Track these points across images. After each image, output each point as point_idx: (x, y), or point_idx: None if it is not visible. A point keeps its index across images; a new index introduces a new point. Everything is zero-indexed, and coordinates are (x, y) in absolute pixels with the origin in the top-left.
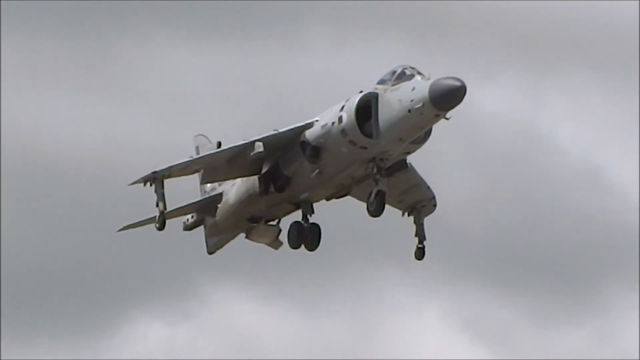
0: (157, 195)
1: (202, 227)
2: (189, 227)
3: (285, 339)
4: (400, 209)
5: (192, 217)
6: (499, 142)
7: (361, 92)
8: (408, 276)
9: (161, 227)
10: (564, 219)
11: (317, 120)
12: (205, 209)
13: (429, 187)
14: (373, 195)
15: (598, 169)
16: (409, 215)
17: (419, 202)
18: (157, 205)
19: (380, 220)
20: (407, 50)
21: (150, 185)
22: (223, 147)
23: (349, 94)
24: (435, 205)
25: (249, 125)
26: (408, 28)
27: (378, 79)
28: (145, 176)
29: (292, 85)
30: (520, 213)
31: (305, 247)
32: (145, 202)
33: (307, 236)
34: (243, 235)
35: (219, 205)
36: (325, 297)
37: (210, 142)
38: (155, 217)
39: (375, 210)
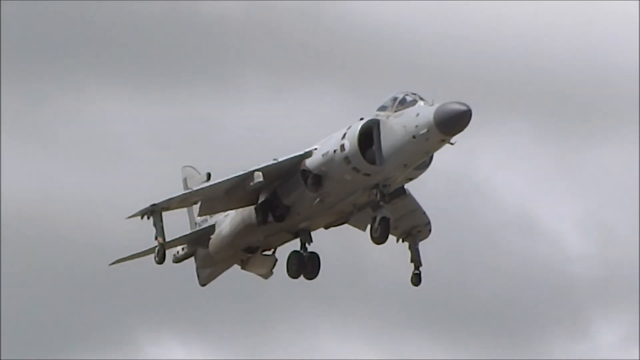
0: (156, 228)
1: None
2: (179, 259)
3: None
4: (395, 235)
5: (183, 249)
6: (434, 192)
7: (362, 119)
8: (345, 326)
9: (161, 260)
10: (498, 266)
11: (315, 149)
12: (197, 240)
13: (424, 213)
14: (377, 222)
15: (532, 217)
16: (403, 241)
17: (415, 228)
18: (156, 238)
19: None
20: (343, 99)
21: (148, 218)
22: (215, 178)
23: (285, 141)
24: (430, 230)
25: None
26: (345, 77)
27: (378, 105)
28: (144, 209)
29: (228, 134)
30: (454, 261)
31: (305, 276)
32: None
33: (306, 266)
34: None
35: (211, 236)
36: (265, 341)
37: (199, 174)
38: (148, 249)
39: (380, 237)
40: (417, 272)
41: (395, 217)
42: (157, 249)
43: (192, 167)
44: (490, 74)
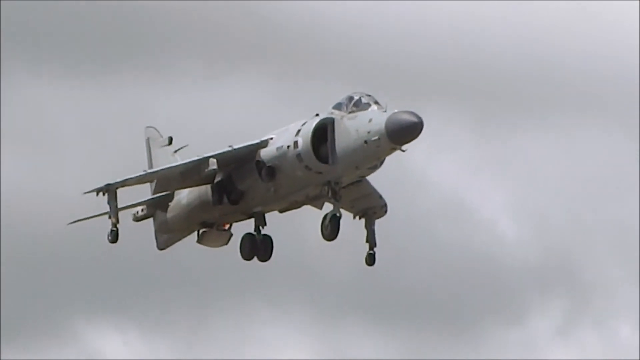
0: (110, 207)
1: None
2: (138, 219)
3: None
4: (351, 212)
5: (143, 210)
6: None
7: (317, 115)
8: (280, 314)
9: (114, 240)
10: (433, 253)
11: (271, 139)
12: (156, 204)
13: (380, 197)
14: (328, 219)
15: (465, 204)
16: (360, 218)
17: (371, 209)
18: (110, 217)
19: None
20: (277, 84)
21: (104, 194)
22: (176, 156)
23: (220, 127)
24: (386, 211)
25: (118, 161)
26: (280, 63)
27: (334, 103)
28: (99, 187)
29: (162, 119)
30: (389, 248)
31: (258, 258)
32: None
33: (259, 248)
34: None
35: (170, 203)
36: (197, 331)
37: (162, 136)
38: (105, 212)
39: (330, 234)
40: (371, 252)
41: (350, 198)
42: (110, 228)
43: (154, 129)
44: (425, 64)
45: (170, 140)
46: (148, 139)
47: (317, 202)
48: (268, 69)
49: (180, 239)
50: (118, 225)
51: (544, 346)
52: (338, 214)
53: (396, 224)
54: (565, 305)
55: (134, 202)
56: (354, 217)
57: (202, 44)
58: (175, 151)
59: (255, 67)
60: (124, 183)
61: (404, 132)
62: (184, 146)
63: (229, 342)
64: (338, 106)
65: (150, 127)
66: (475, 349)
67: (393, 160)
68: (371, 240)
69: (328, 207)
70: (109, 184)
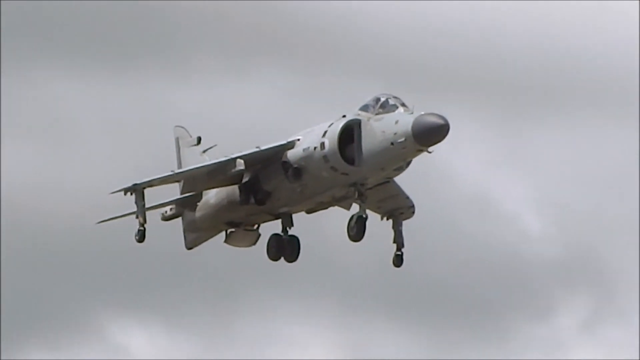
0: (137, 207)
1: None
2: (167, 219)
3: None
4: (378, 214)
5: (171, 209)
6: None
7: (344, 116)
8: (306, 315)
9: (141, 239)
10: (457, 247)
11: (298, 140)
12: (184, 203)
13: (407, 197)
14: (354, 220)
15: (488, 198)
16: (387, 219)
17: (397, 210)
18: (137, 217)
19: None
20: (295, 80)
21: (131, 194)
22: (205, 156)
23: (247, 126)
24: (413, 212)
25: (136, 156)
26: (296, 58)
27: (361, 104)
28: (126, 187)
29: (190, 118)
30: (413, 243)
31: (285, 259)
32: None
33: (286, 248)
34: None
35: (198, 203)
36: (224, 331)
37: (191, 136)
38: (134, 211)
39: (356, 235)
40: (399, 253)
41: (377, 199)
42: (137, 228)
43: (183, 128)
44: (449, 60)
45: (199, 140)
46: (177, 139)
47: (344, 203)
48: (296, 69)
49: (208, 239)
50: (145, 225)
51: (571, 341)
52: (364, 215)
53: (421, 221)
54: (595, 300)
55: (162, 202)
56: (382, 219)
57: (231, 44)
58: (204, 151)
59: (283, 66)
60: (151, 183)
61: (430, 134)
62: (213, 146)
63: (255, 342)
64: (365, 108)
65: (180, 126)
66: (505, 345)
67: (418, 158)
68: (399, 241)
69: (356, 207)
70: (135, 184)
